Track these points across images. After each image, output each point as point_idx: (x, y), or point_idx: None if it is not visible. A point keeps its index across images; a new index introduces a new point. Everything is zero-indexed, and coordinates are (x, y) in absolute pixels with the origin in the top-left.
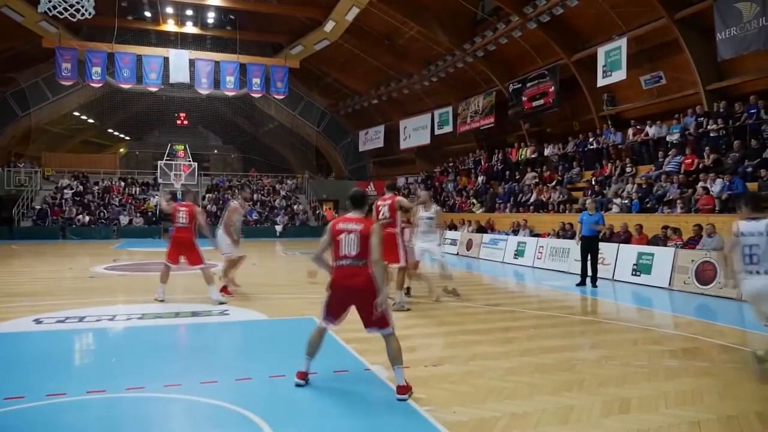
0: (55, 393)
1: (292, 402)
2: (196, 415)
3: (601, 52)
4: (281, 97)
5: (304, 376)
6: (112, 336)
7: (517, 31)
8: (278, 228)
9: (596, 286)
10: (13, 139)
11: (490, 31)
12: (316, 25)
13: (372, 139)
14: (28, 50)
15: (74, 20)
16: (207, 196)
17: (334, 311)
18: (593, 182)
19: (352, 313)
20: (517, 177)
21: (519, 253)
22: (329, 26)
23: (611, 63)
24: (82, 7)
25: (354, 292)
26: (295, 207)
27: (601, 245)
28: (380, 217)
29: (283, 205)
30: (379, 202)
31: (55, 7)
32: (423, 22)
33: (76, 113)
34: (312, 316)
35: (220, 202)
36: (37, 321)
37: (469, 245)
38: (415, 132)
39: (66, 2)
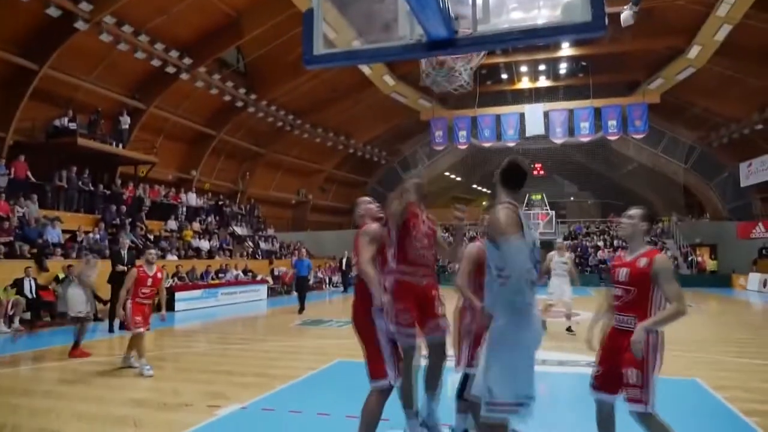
0: None
1: None
2: None
3: None
4: (641, 136)
5: None
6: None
7: None
8: None
9: None
10: None
11: None
12: (677, 53)
13: (758, 171)
14: (409, 125)
15: (453, 92)
16: (565, 243)
17: None
18: None
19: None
20: None
21: None
22: (694, 52)
23: None
24: (463, 80)
25: None
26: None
27: None
28: None
29: None
30: None
31: (438, 84)
32: None
33: (446, 173)
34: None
35: (578, 249)
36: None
37: None
38: None
39: (449, 79)
